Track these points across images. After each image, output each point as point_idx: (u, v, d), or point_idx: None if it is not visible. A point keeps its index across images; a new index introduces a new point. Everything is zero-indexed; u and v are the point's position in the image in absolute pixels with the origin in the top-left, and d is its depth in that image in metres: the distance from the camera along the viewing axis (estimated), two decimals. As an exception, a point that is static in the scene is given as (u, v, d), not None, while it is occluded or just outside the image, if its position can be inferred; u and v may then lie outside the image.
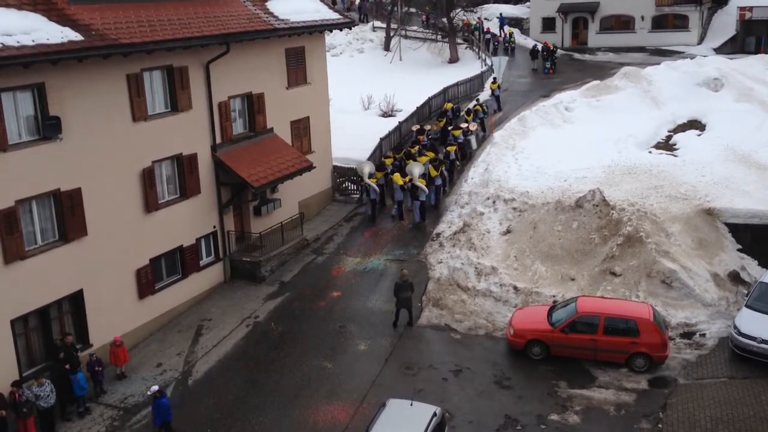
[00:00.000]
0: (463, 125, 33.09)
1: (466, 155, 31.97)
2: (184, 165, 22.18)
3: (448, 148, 30.85)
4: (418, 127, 34.12)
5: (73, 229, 18.67)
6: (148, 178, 20.80)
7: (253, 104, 25.03)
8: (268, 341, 20.88)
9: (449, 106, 37.13)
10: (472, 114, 34.71)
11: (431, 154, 30.00)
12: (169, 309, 22.07)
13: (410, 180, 27.28)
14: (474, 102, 37.31)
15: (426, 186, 27.40)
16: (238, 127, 24.76)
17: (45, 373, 17.38)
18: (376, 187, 28.30)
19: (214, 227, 23.66)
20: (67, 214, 18.47)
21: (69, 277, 18.68)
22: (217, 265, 23.98)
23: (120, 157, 19.90)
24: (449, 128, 33.29)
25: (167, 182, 21.94)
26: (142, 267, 20.90)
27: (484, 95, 40.14)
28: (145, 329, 21.23)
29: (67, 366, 17.63)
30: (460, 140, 31.97)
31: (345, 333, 21.11)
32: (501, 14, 59.59)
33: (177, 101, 21.71)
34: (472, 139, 32.69)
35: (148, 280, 21.10)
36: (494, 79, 39.97)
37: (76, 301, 19.09)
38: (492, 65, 46.07)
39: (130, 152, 20.22)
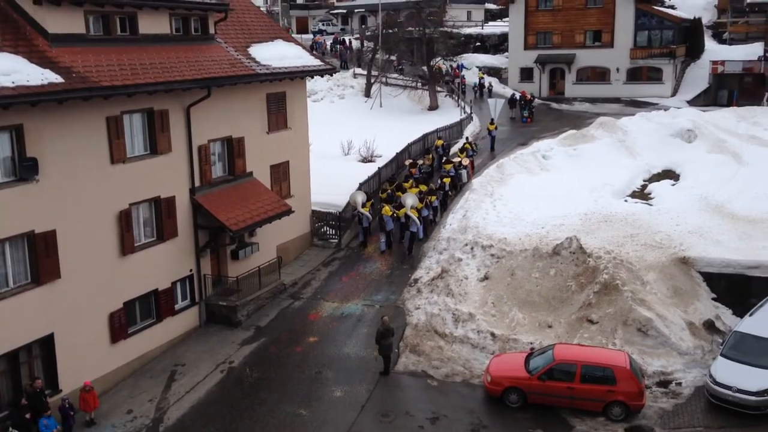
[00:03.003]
0: (456, 159, 35.01)
1: (458, 187, 33.58)
2: (162, 208, 22.08)
3: (444, 180, 32.59)
4: (411, 161, 36.05)
5: (46, 272, 18.41)
6: (124, 220, 20.65)
7: (233, 148, 25.09)
8: (243, 387, 20.55)
9: (440, 143, 39.07)
10: (464, 152, 36.60)
11: (423, 187, 31.44)
12: (142, 354, 21.69)
13: (404, 213, 28.53)
14: (464, 140, 39.97)
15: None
16: (218, 171, 24.76)
17: (6, 422, 16.90)
18: (369, 216, 29.83)
19: (191, 271, 23.46)
20: (41, 256, 18.23)
21: (40, 320, 18.34)
22: (192, 309, 23.70)
23: (97, 199, 19.78)
24: (442, 162, 35.36)
25: (144, 225, 21.79)
26: (116, 311, 20.60)
27: (462, 142, 40.71)
28: (117, 374, 20.82)
29: (28, 415, 17.12)
30: (452, 173, 33.58)
31: (321, 379, 20.86)
32: (461, 62, 60.48)
33: (156, 144, 21.72)
34: (464, 173, 34.33)
35: (122, 324, 20.78)
36: (491, 120, 40.98)
37: (46, 345, 18.71)
38: (469, 111, 46.86)
39: (108, 194, 20.11)
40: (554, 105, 54.10)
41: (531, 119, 47.46)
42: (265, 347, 22.70)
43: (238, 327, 23.80)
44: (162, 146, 21.87)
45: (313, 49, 59.99)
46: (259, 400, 19.86)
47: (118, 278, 20.61)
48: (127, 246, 20.78)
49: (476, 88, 56.36)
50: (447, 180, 32.73)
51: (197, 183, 23.37)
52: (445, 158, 36.05)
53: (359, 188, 31.43)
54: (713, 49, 61.10)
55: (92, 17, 20.19)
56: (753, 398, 18.27)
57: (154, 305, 22.15)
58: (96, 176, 19.72)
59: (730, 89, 54.32)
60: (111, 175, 20.20)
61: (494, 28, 74.64)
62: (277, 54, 26.96)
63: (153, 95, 21.03)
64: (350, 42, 68.86)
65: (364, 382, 20.61)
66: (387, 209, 29.08)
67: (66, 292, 18.95)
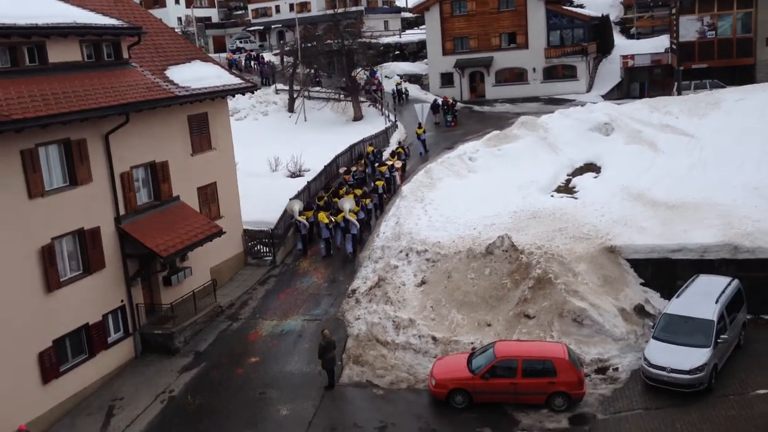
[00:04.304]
0: (389, 162, 35.90)
1: (392, 190, 34.31)
2: (87, 239, 21.42)
3: (377, 183, 33.37)
4: (345, 168, 37.02)
5: (-33, 315, 17.62)
6: (47, 255, 19.94)
7: (157, 173, 24.58)
8: (185, 416, 20.06)
9: (370, 149, 39.81)
10: (396, 155, 37.43)
11: (358, 191, 32.10)
12: (77, 391, 20.95)
13: (342, 217, 29.03)
14: (396, 144, 41.03)
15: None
16: (143, 197, 24.19)
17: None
18: (306, 223, 30.36)
19: (122, 301, 22.82)
20: (-40, 299, 17.43)
21: (-36, 366, 17.53)
22: (126, 340, 23.04)
23: (16, 236, 19.04)
24: (376, 166, 36.50)
25: (69, 258, 21.09)
26: (45, 350, 19.83)
27: (391, 149, 41.16)
28: (52, 415, 20.03)
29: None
30: (387, 176, 34.58)
31: (266, 399, 20.57)
32: (374, 69, 60.84)
33: (76, 174, 21.08)
34: (397, 175, 35.25)
35: (52, 363, 20.02)
36: (419, 124, 41.59)
37: (-27, 392, 17.90)
38: (393, 119, 47.33)
39: (27, 230, 19.39)
40: (476, 107, 55.01)
41: (455, 123, 48.16)
42: (206, 372, 22.25)
43: (176, 354, 23.25)
44: (82, 177, 21.25)
45: (231, 67, 59.45)
46: (203, 427, 19.44)
47: (45, 316, 19.87)
48: (52, 282, 20.07)
49: (395, 95, 56.94)
50: (380, 183, 33.48)
51: (122, 211, 22.79)
52: (378, 162, 37.08)
53: (281, 216, 31.38)
54: (622, 44, 63.39)
55: (-2, 49, 19.51)
56: (686, 376, 18.95)
57: (86, 340, 21.44)
58: (13, 212, 19.00)
59: (641, 82, 56.44)
60: (29, 211, 19.49)
61: (412, 36, 75.56)
62: (196, 75, 26.61)
63: (68, 125, 20.41)
64: (261, 57, 68.58)
65: (309, 398, 20.44)
66: (323, 216, 29.51)
67: (-10, 335, 18.16)
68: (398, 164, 35.95)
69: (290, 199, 31.47)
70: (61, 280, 20.58)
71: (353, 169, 36.89)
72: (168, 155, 25.05)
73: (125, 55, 24.02)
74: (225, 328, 24.95)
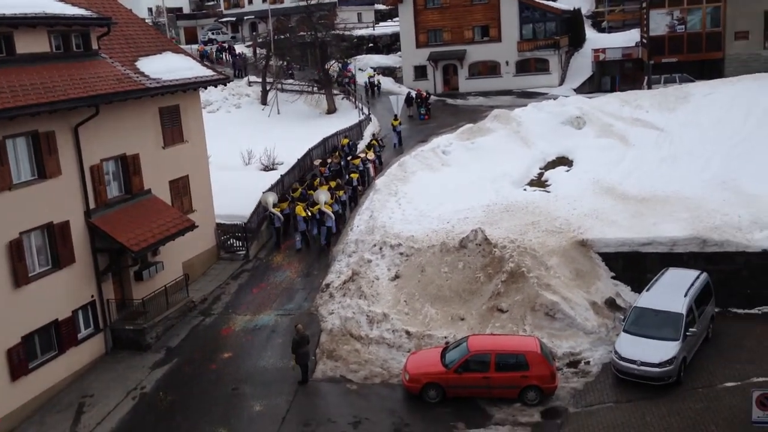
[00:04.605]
0: (362, 155, 36.39)
1: (366, 182, 34.73)
2: (56, 234, 21.10)
3: (352, 175, 33.65)
4: (321, 160, 37.34)
5: (-67, 312, 17.27)
6: (15, 250, 19.59)
7: (128, 166, 24.26)
8: (157, 413, 19.88)
9: (345, 141, 40.31)
10: (371, 148, 37.80)
11: (333, 183, 32.28)
12: (47, 388, 20.66)
13: (318, 209, 29.23)
14: (371, 137, 41.44)
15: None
16: (114, 191, 23.87)
17: None
18: (281, 216, 30.30)
19: (92, 297, 22.53)
20: (-75, 296, 17.08)
21: (-71, 364, 17.18)
22: (97, 336, 22.76)
23: (-17, 231, 18.70)
24: (348, 159, 36.86)
25: (38, 253, 20.75)
26: (14, 346, 19.51)
27: (369, 139, 41.17)
28: (21, 412, 19.74)
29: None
30: (361, 168, 35.01)
31: (239, 395, 20.47)
32: (346, 61, 60.59)
33: (44, 167, 20.74)
34: (371, 167, 35.79)
35: (21, 360, 19.71)
36: (395, 116, 41.90)
37: (-61, 391, 17.56)
38: (367, 112, 47.23)
39: (-5, 225, 19.06)
40: (450, 101, 55.05)
41: (428, 116, 48.20)
42: (178, 368, 22.07)
43: (147, 350, 23.03)
44: (51, 169, 20.90)
45: (203, 58, 58.75)
46: (175, 423, 19.28)
47: (14, 312, 19.55)
48: (20, 277, 19.75)
49: (368, 87, 56.80)
50: (354, 175, 33.64)
51: (92, 205, 22.47)
52: (351, 155, 37.33)
53: (254, 209, 31.23)
54: (594, 38, 63.84)
55: (-37, 39, 19.09)
56: (656, 369, 19.19)
57: (55, 336, 21.15)
58: (-20, 207, 18.64)
59: (612, 75, 56.85)
60: (-3, 204, 19.15)
61: (385, 28, 75.29)
62: (167, 66, 26.29)
63: (36, 117, 20.05)
64: (233, 48, 67.89)
65: (282, 393, 20.38)
66: (300, 209, 29.45)
67: (-44, 333, 17.83)
68: (371, 156, 36.01)
69: (264, 192, 31.31)
70: (30, 275, 20.25)
71: (329, 161, 36.92)
72: (139, 148, 24.73)
73: (95, 46, 23.65)
74: (197, 323, 24.76)
